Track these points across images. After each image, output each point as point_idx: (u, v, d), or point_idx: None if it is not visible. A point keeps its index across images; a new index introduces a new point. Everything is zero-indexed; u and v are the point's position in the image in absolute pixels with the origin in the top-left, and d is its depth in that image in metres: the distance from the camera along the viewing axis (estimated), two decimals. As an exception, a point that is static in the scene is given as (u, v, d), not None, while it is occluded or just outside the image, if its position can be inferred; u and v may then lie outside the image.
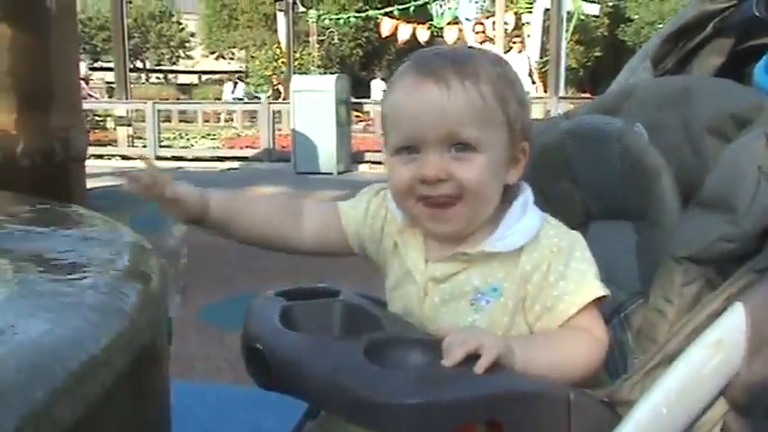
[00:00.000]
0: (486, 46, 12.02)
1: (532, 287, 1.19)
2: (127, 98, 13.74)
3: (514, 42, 13.11)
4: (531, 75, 12.72)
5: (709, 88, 1.46)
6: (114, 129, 14.11)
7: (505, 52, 13.53)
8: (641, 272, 1.40)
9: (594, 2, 23.58)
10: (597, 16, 24.53)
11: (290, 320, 1.22)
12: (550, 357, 1.14)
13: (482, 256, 1.21)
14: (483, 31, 13.06)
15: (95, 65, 32.16)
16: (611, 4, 30.70)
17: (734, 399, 1.15)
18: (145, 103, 13.49)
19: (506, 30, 17.50)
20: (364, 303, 1.29)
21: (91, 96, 15.67)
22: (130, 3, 28.46)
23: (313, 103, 10.33)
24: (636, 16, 30.67)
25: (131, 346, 0.86)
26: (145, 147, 13.01)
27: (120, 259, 1.13)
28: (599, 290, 1.19)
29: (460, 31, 18.20)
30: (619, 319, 1.41)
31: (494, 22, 16.63)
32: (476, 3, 36.84)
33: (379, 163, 10.17)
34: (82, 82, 14.27)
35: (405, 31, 18.24)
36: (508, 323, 1.20)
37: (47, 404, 0.69)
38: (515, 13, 19.54)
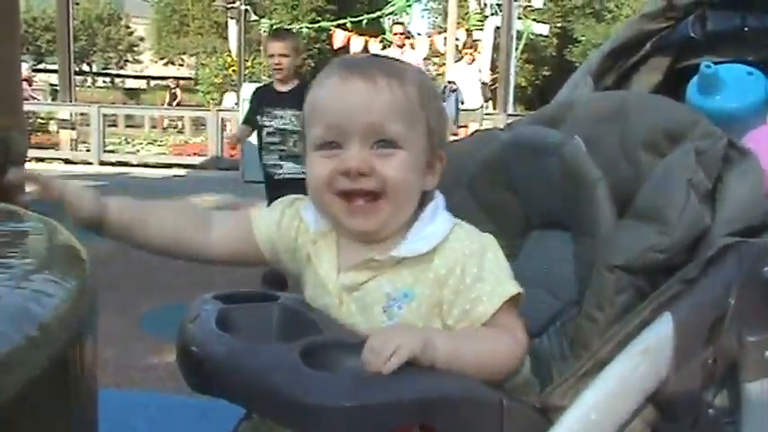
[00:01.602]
0: (407, 51, 11.96)
1: (448, 291, 1.19)
2: (71, 101, 13.49)
3: (465, 53, 12.93)
4: (483, 86, 12.50)
5: (644, 104, 1.50)
6: (57, 132, 13.83)
7: (456, 62, 13.53)
8: (578, 281, 1.42)
9: (544, 22, 23.98)
10: (546, 36, 24.89)
11: (227, 324, 1.20)
12: (475, 351, 1.14)
13: (391, 262, 1.21)
14: (402, 33, 12.77)
15: (39, 66, 31.50)
16: (559, 24, 31.20)
17: (662, 405, 1.18)
18: (89, 105, 13.27)
19: (457, 46, 17.62)
20: (302, 307, 1.29)
21: (33, 98, 15.34)
22: (77, 4, 27.97)
23: (263, 111, 10.22)
24: (583, 37, 31.21)
25: (47, 346, 0.85)
26: (89, 151, 12.79)
27: (44, 255, 1.10)
28: (514, 288, 1.19)
29: (412, 46, 18.33)
30: (555, 328, 1.44)
31: (445, 39, 16.78)
32: (428, 18, 37.17)
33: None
34: (24, 83, 13.98)
35: (357, 44, 18.26)
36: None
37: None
38: (467, 30, 19.71)
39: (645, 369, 1.15)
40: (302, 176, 1.28)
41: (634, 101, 1.52)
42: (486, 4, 19.43)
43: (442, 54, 17.97)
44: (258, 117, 4.67)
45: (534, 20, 22.54)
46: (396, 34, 12.42)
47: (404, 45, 12.16)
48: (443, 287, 1.19)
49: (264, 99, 4.71)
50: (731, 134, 1.34)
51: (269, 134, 4.63)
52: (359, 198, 1.19)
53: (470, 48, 12.99)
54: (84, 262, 1.13)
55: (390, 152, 1.18)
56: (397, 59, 1.33)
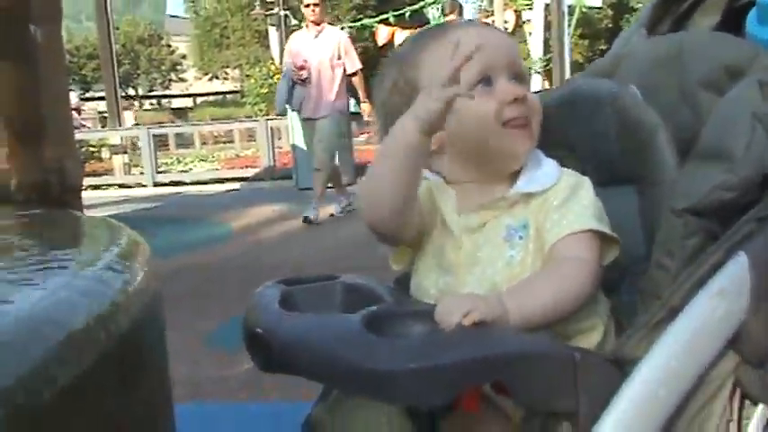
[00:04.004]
0: None
1: (542, 215, 1.28)
2: (120, 125, 13.66)
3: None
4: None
5: (700, 43, 1.44)
6: (110, 158, 14.09)
7: None
8: (645, 235, 1.38)
9: (597, -7, 23.54)
10: (600, 8, 24.26)
11: (291, 304, 1.21)
12: (545, 302, 1.17)
13: (515, 197, 1.30)
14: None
15: (87, 95, 32.12)
16: (614, -5, 30.56)
17: (742, 349, 1.13)
18: (139, 128, 13.44)
19: (506, 28, 17.43)
20: (365, 283, 1.28)
21: (83, 126, 15.63)
22: (117, 29, 28.45)
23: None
24: (639, 5, 30.54)
25: (118, 324, 0.85)
26: (142, 173, 12.97)
27: (110, 251, 1.12)
28: (594, 224, 1.24)
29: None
30: (625, 285, 1.40)
31: (493, 21, 16.60)
32: (473, 3, 36.89)
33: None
34: (74, 112, 14.27)
35: (402, 38, 18.20)
36: (542, 254, 1.26)
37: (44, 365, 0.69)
38: (515, 11, 19.49)
39: (722, 312, 1.10)
40: None
41: (689, 40, 1.46)
42: (533, -18, 19.12)
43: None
44: None
45: (586, -8, 22.16)
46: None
47: None
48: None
49: None
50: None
51: None
52: (525, 123, 1.32)
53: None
54: (146, 250, 1.14)
55: (523, 86, 1.34)
56: None
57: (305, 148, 8.25)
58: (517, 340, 1.07)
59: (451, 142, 1.32)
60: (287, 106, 7.90)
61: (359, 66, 7.94)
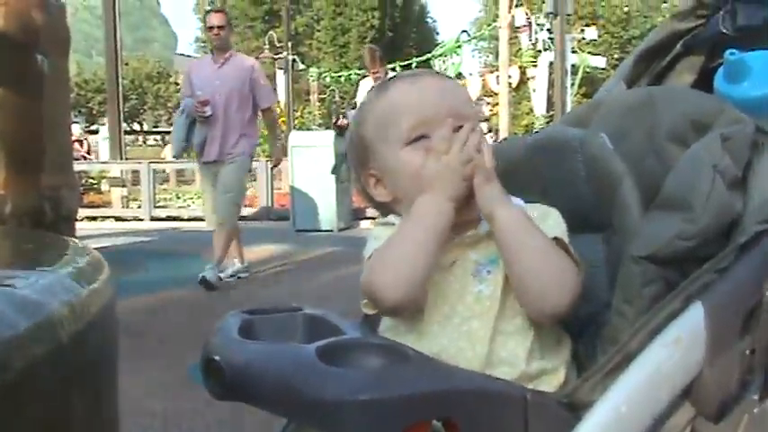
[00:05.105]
0: None
1: None
2: (121, 159, 13.71)
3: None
4: None
5: (670, 96, 1.47)
6: (109, 190, 14.12)
7: None
8: (610, 283, 1.39)
9: (600, 54, 23.80)
10: (604, 69, 24.44)
11: (250, 333, 1.21)
12: (540, 236, 1.26)
13: (478, 237, 1.32)
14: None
15: (92, 128, 32.38)
16: (616, 56, 30.89)
17: (698, 401, 1.13)
18: (140, 162, 13.49)
19: (510, 84, 17.55)
20: (326, 314, 1.28)
21: (85, 158, 15.66)
22: (127, 64, 28.71)
23: (312, 160, 10.08)
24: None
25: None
26: (140, 207, 13.00)
27: (69, 267, 1.12)
28: (566, 237, 1.29)
29: (464, 86, 18.43)
30: (589, 333, 1.40)
31: (497, 77, 16.77)
32: (479, 57, 37.25)
33: (380, 219, 10.07)
34: (76, 144, 14.26)
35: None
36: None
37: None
38: (520, 68, 19.67)
39: (677, 360, 1.10)
40: None
41: (660, 94, 1.49)
42: (537, 40, 19.40)
43: (496, 93, 17.93)
44: None
45: (590, 53, 22.40)
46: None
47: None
48: None
49: None
50: (760, 121, 1.30)
51: None
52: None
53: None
54: (103, 267, 1.15)
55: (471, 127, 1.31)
56: None
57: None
58: (469, 377, 1.06)
59: (404, 195, 1.34)
60: (186, 144, 6.60)
61: (274, 99, 6.93)
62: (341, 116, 9.98)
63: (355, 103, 7.39)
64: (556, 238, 1.27)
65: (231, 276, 6.66)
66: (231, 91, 6.40)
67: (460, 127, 1.28)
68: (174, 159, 11.22)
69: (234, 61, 6.58)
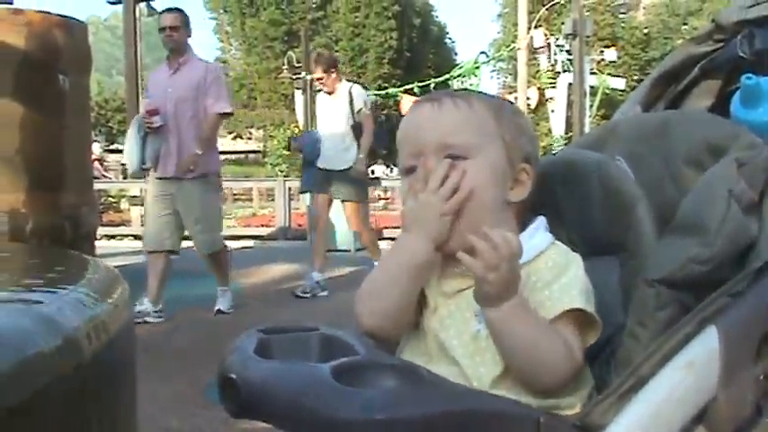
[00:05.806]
0: None
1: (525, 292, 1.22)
2: (141, 178, 13.78)
3: None
4: None
5: (686, 120, 1.47)
6: (128, 209, 14.19)
7: None
8: (624, 305, 1.39)
9: (620, 76, 23.73)
10: (623, 90, 24.34)
11: (266, 351, 1.22)
12: (531, 333, 1.17)
13: None
14: None
15: (111, 147, 32.61)
16: (636, 77, 30.83)
17: (712, 426, 1.12)
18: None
19: (529, 105, 17.49)
20: (342, 334, 1.29)
21: (105, 177, 15.76)
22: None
23: (329, 180, 10.06)
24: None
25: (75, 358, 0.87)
26: (159, 226, 13.06)
27: (90, 286, 1.14)
28: (581, 303, 1.21)
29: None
30: (605, 355, 1.40)
31: (516, 98, 16.76)
32: (497, 78, 37.28)
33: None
34: (96, 163, 14.33)
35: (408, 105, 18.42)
36: None
37: None
38: (538, 89, 19.65)
39: (690, 384, 1.10)
40: None
41: (676, 118, 1.50)
42: (556, 61, 19.42)
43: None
44: None
45: (609, 74, 22.35)
46: None
47: None
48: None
49: None
50: (776, 145, 1.31)
51: None
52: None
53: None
54: (122, 286, 1.17)
55: (460, 163, 1.25)
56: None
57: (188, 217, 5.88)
58: (482, 398, 1.07)
59: None
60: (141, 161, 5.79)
61: (227, 108, 5.86)
62: None
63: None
64: (566, 311, 1.22)
65: (230, 309, 6.15)
66: (182, 98, 5.64)
67: (455, 157, 1.25)
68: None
69: (190, 65, 5.76)
